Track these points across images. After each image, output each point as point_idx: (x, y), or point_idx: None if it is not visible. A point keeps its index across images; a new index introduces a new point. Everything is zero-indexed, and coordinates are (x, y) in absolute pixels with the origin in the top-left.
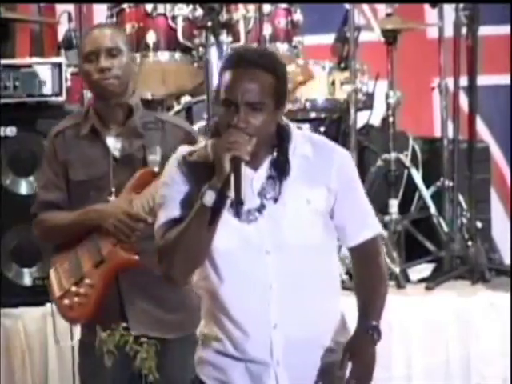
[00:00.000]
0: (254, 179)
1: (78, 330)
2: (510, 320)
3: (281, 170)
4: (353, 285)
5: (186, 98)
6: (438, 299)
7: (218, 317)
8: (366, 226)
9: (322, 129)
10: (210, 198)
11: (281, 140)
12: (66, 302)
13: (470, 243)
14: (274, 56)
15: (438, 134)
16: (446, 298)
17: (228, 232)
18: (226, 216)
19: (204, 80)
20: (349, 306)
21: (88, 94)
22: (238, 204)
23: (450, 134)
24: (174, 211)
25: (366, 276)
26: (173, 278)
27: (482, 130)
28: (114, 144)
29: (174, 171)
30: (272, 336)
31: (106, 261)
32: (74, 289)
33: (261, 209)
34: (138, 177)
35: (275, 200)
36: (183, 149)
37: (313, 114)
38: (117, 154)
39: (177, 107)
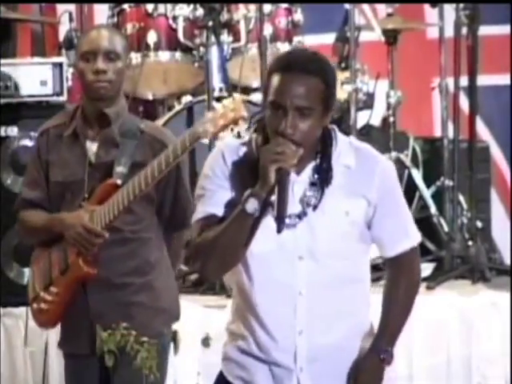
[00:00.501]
0: (295, 183)
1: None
2: (510, 320)
3: (323, 177)
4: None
5: (186, 98)
6: (439, 299)
7: (245, 315)
8: (406, 236)
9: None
10: (252, 205)
11: (325, 145)
12: (35, 306)
13: (470, 243)
14: (324, 61)
15: (437, 133)
16: (447, 297)
17: (264, 234)
18: (266, 219)
19: (205, 80)
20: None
21: None
22: (280, 220)
23: (450, 133)
24: (213, 207)
25: (395, 293)
26: (207, 276)
27: (482, 129)
28: (91, 149)
29: (216, 164)
30: (297, 342)
31: (69, 269)
32: (42, 294)
33: (301, 215)
34: (102, 188)
35: (315, 207)
36: (228, 141)
37: None
38: (93, 159)
39: (178, 107)
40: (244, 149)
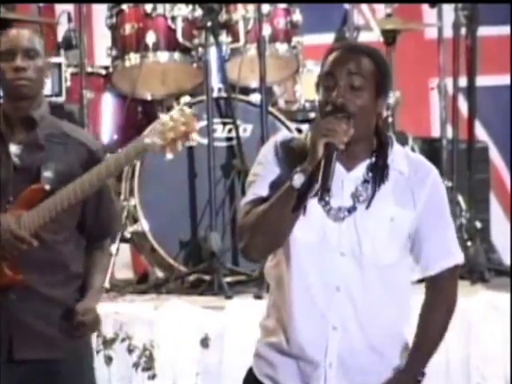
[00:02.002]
0: (345, 179)
1: None
2: (510, 320)
3: (378, 174)
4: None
5: (185, 99)
6: None
7: (280, 310)
8: (450, 253)
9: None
10: (298, 180)
11: (381, 145)
12: None
13: (469, 243)
14: (379, 52)
15: (436, 134)
16: None
17: (311, 224)
18: (315, 207)
19: (203, 80)
20: None
21: (88, 94)
22: (323, 190)
23: (449, 134)
24: (262, 190)
25: (432, 314)
26: (249, 255)
27: (480, 130)
28: (16, 151)
29: (270, 152)
30: (329, 338)
31: None
32: None
33: (351, 210)
34: (28, 193)
35: (367, 206)
36: (283, 133)
37: (312, 115)
38: (17, 162)
39: (176, 107)
40: (298, 142)
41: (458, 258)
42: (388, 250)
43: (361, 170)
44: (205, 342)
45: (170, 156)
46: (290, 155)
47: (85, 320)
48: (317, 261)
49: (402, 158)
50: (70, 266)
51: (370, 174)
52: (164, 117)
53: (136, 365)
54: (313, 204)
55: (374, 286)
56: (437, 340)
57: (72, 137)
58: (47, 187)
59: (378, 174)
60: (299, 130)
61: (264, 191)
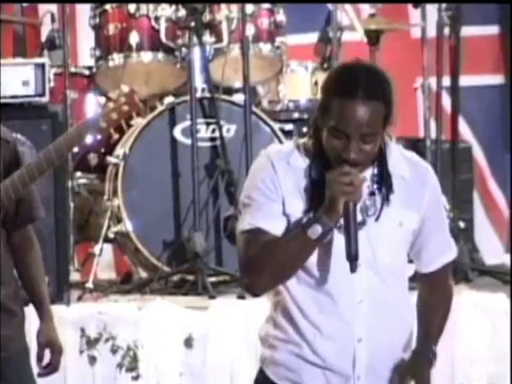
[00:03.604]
0: None
1: None
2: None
3: (384, 186)
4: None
5: (169, 99)
6: None
7: (297, 323)
8: (449, 250)
9: (305, 129)
10: (316, 232)
11: (380, 153)
12: None
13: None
14: (386, 80)
15: (422, 134)
16: None
17: (324, 243)
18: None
19: (187, 80)
20: None
21: (71, 95)
22: (353, 259)
23: (434, 134)
24: (261, 220)
25: (434, 303)
26: (256, 292)
27: (465, 130)
28: None
29: (266, 174)
30: (356, 350)
31: None
32: None
33: (361, 224)
34: None
35: (377, 218)
36: (275, 148)
37: (296, 115)
38: None
39: (160, 108)
40: (294, 156)
41: (455, 252)
42: (400, 254)
43: (365, 183)
44: (188, 342)
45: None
46: (290, 175)
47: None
48: (333, 276)
49: (402, 160)
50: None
51: (375, 186)
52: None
53: (120, 365)
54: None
55: (392, 292)
56: (441, 322)
57: None
58: None
59: (384, 185)
60: (283, 130)
61: (263, 222)
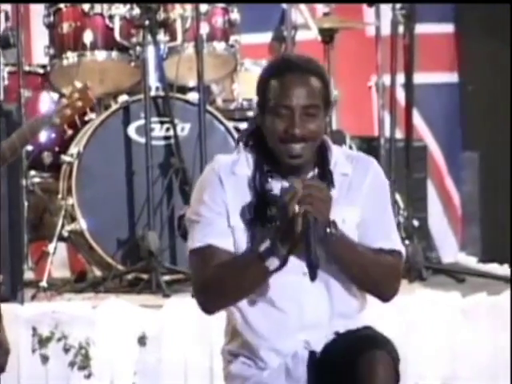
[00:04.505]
0: None
1: None
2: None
3: (325, 183)
4: None
5: (123, 97)
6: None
7: (244, 334)
8: (387, 238)
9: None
10: (273, 264)
11: (321, 155)
12: None
13: (407, 242)
14: (318, 62)
15: (376, 132)
16: None
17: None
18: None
19: (141, 79)
20: None
21: (26, 93)
22: (314, 268)
23: (388, 132)
24: (211, 237)
25: (381, 255)
26: (210, 311)
27: (421, 127)
28: None
29: (214, 189)
30: (303, 351)
31: None
32: None
33: None
34: None
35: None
36: (220, 160)
37: (250, 113)
38: None
39: (114, 106)
40: (240, 164)
41: (396, 245)
42: None
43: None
44: (142, 341)
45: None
46: (237, 187)
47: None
48: (281, 285)
49: (344, 159)
50: None
51: None
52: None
53: (72, 364)
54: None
55: (339, 290)
56: (370, 263)
57: None
58: None
59: (325, 182)
60: (237, 129)
61: (214, 239)
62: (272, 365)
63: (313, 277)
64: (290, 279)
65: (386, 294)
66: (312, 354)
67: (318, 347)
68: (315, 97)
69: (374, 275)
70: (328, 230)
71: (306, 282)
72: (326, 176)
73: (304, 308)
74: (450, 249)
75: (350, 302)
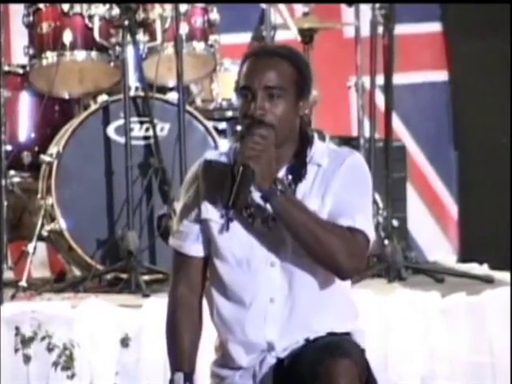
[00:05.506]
0: None
1: None
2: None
3: (296, 175)
4: None
5: (102, 97)
6: (355, 298)
7: (218, 326)
8: (350, 217)
9: (239, 127)
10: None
11: (302, 148)
12: None
13: (386, 242)
14: (295, 50)
15: (355, 133)
16: (363, 296)
17: (237, 240)
18: (239, 222)
19: (121, 79)
20: None
21: (5, 93)
22: (227, 209)
23: (367, 132)
24: (189, 248)
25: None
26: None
27: (400, 127)
28: None
29: (188, 184)
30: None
31: None
32: None
33: (275, 217)
34: None
35: None
36: (207, 154)
37: (229, 113)
38: None
39: (93, 106)
40: (224, 158)
41: (360, 224)
42: None
43: (281, 173)
44: (124, 342)
45: None
46: (212, 174)
47: None
48: (247, 276)
49: (324, 151)
50: None
51: (290, 177)
52: None
53: (55, 364)
54: (236, 219)
55: (308, 285)
56: (321, 230)
57: None
58: None
59: (296, 174)
60: (216, 129)
61: (189, 248)
62: (241, 362)
63: (227, 224)
64: (256, 268)
65: (341, 270)
66: (279, 361)
67: (282, 346)
68: (281, 80)
69: (326, 244)
70: (272, 185)
71: (274, 274)
72: (297, 169)
73: (264, 299)
74: (437, 249)
75: (316, 296)
